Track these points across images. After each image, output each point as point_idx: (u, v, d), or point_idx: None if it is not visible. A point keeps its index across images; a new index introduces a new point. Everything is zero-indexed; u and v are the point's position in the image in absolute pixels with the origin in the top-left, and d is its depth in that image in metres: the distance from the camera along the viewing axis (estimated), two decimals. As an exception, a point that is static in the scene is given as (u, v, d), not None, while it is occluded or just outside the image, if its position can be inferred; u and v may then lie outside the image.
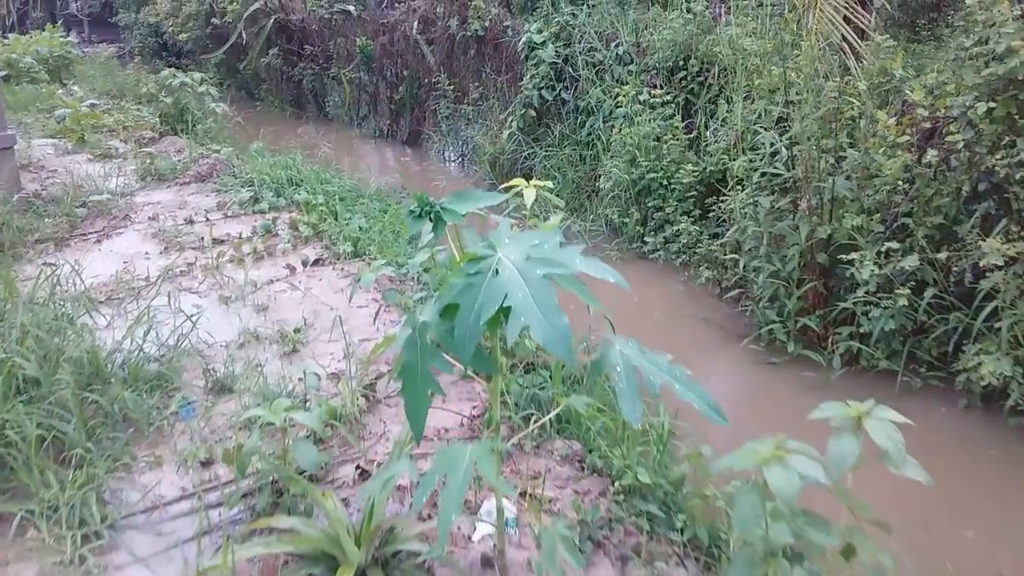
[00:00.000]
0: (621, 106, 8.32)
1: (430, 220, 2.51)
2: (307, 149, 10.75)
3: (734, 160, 7.33)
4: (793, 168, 5.74)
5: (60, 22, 24.45)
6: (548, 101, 9.44)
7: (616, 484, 3.55)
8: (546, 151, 9.36)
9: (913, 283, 5.11)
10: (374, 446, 3.90)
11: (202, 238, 6.76)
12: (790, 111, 5.93)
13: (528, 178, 9.43)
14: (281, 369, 4.59)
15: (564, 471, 3.69)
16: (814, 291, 5.63)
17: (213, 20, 16.61)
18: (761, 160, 6.13)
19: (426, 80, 12.69)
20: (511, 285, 2.22)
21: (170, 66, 18.07)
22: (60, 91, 15.42)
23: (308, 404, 4.14)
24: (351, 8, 14.81)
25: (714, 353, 5.94)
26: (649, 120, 7.86)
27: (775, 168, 5.82)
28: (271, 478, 3.39)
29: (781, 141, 5.90)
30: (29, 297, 4.71)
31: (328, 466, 3.69)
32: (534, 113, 9.54)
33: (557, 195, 9.11)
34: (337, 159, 11.73)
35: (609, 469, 3.71)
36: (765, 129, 6.34)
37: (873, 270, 4.90)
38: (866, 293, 5.04)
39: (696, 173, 7.39)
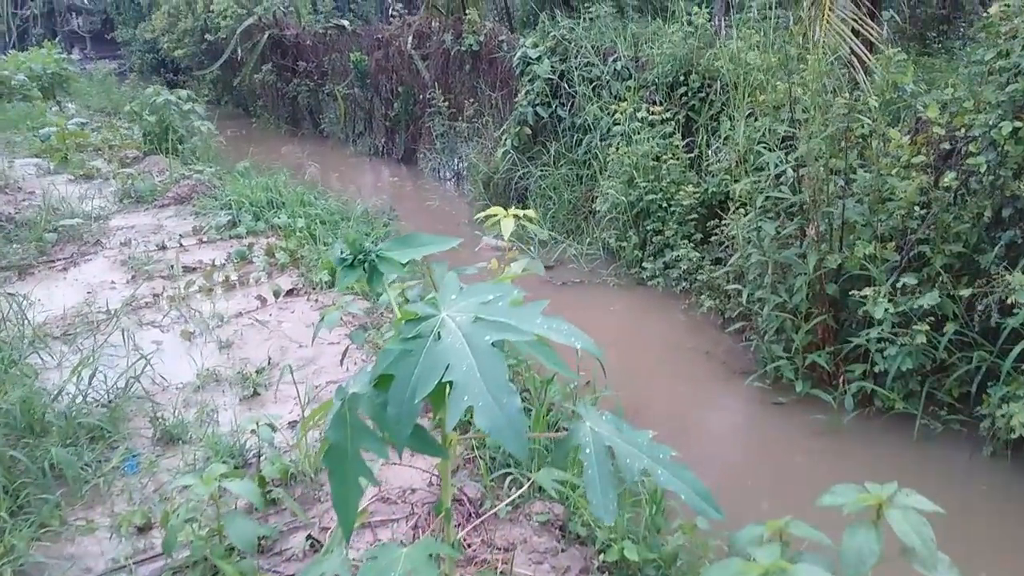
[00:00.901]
0: (619, 124, 7.93)
1: (364, 270, 2.11)
2: (295, 168, 10.40)
3: (736, 181, 6.93)
4: (799, 191, 5.32)
5: (59, 39, 24.32)
6: (543, 118, 9.05)
7: (600, 558, 3.13)
8: (541, 170, 8.96)
9: (932, 318, 4.67)
10: (331, 509, 3.48)
11: (172, 266, 6.38)
12: (796, 130, 5.51)
13: (523, 198, 9.08)
14: (238, 416, 4.19)
15: (542, 541, 3.27)
16: (823, 325, 5.19)
17: (207, 36, 16.33)
18: (765, 182, 5.71)
19: (421, 96, 12.35)
20: (454, 354, 1.82)
21: (168, 83, 17.88)
22: (53, 108, 15.19)
23: (262, 460, 3.73)
24: (346, 23, 14.50)
25: (716, 391, 5.50)
26: (648, 139, 7.46)
27: (780, 191, 5.40)
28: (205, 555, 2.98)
29: (787, 162, 5.48)
30: (-36, 338, 4.33)
31: (275, 535, 3.28)
32: (529, 131, 9.15)
33: (552, 217, 8.73)
34: (328, 178, 11.40)
35: (593, 538, 3.28)
36: (769, 149, 5.94)
37: (888, 308, 4.46)
38: (881, 332, 4.60)
39: (697, 195, 6.98)
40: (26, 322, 5.04)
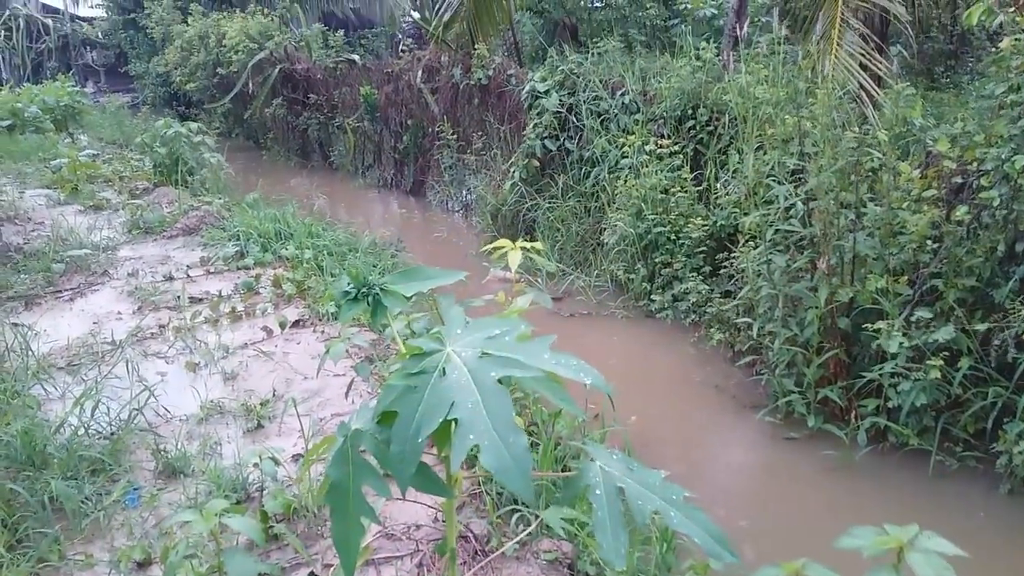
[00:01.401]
0: (627, 156, 7.94)
1: (367, 304, 2.07)
2: (304, 200, 10.43)
3: (746, 214, 6.89)
4: (810, 224, 5.28)
5: (73, 72, 24.64)
6: (551, 151, 9.06)
7: (609, 599, 3.05)
8: (549, 203, 8.96)
9: (946, 353, 4.60)
10: (334, 546, 3.40)
11: (178, 297, 6.36)
12: (805, 163, 5.47)
13: (531, 230, 9.04)
14: (241, 449, 4.13)
15: (549, 581, 3.19)
16: (835, 359, 5.12)
17: (219, 70, 16.50)
18: (775, 215, 5.67)
19: (430, 129, 12.41)
20: (459, 391, 1.77)
21: (180, 115, 18.05)
22: (65, 140, 15.34)
23: (264, 494, 3.67)
24: (356, 58, 14.64)
25: (727, 425, 5.42)
26: (656, 171, 7.45)
27: (790, 224, 5.35)
28: (205, 592, 2.92)
29: (797, 195, 5.44)
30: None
31: (276, 572, 3.21)
32: (537, 163, 9.16)
33: (560, 248, 8.70)
34: (337, 210, 11.42)
35: (602, 578, 3.21)
36: (778, 182, 5.91)
37: (902, 342, 4.39)
38: (895, 366, 4.52)
39: (706, 227, 6.95)
40: (30, 353, 5.01)
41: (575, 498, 1.96)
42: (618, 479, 1.93)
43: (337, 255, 7.53)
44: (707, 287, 6.62)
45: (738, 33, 12.06)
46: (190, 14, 17.81)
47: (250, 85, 15.79)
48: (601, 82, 8.89)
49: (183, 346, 5.49)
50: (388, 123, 13.46)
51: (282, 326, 5.70)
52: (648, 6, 14.27)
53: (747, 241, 5.91)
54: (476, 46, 11.31)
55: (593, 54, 9.46)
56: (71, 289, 6.77)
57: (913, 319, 4.62)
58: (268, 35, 15.49)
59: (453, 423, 1.75)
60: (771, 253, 5.36)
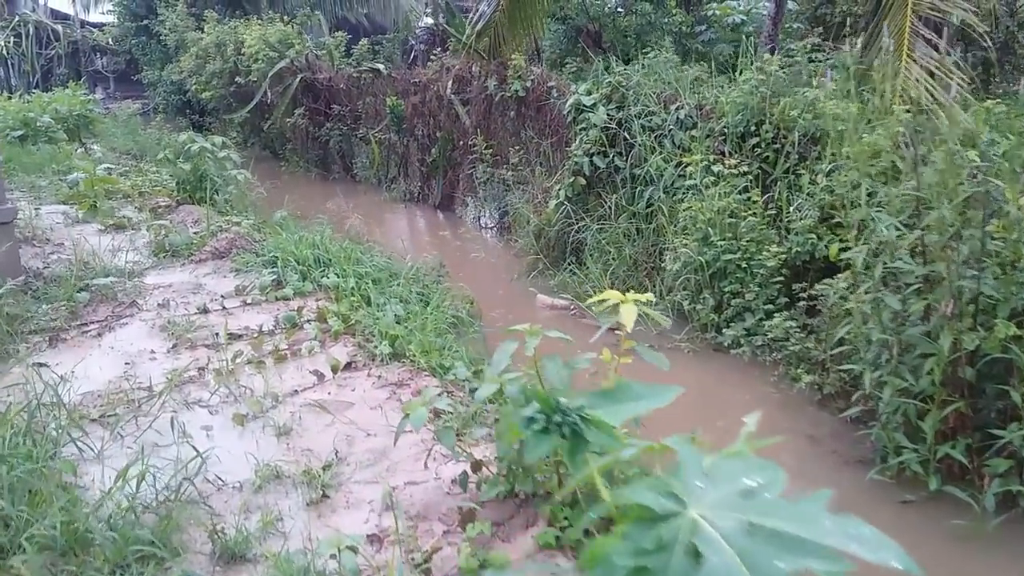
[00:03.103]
0: (686, 176, 7.43)
1: (562, 436, 1.56)
2: (335, 218, 9.92)
3: (820, 239, 6.38)
4: (926, 261, 4.74)
5: (84, 79, 24.25)
6: (600, 168, 8.56)
7: None
8: (599, 224, 8.44)
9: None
10: (433, 662, 2.90)
11: (217, 333, 5.85)
12: (921, 192, 4.90)
13: (578, 252, 8.50)
14: (309, 526, 3.62)
15: None
16: (955, 413, 4.59)
17: (237, 79, 16.02)
18: (872, 248, 5.12)
19: (461, 142, 11.92)
20: (729, 583, 1.25)
21: (193, 124, 17.60)
22: (78, 151, 14.87)
23: (345, 592, 3.16)
24: (380, 67, 14.16)
25: (831, 484, 4.79)
26: (724, 193, 6.92)
27: (904, 261, 4.80)
28: None
29: (914, 227, 4.89)
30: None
31: None
32: (584, 181, 8.65)
33: (612, 273, 8.16)
34: (366, 227, 10.91)
35: None
36: (877, 203, 5.38)
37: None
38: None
39: (781, 255, 6.42)
40: (65, 401, 4.49)
41: None
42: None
43: (382, 282, 7.01)
44: (793, 323, 6.07)
45: (775, 41, 11.56)
46: (205, 21, 17.35)
47: (268, 94, 15.32)
48: (654, 95, 8.39)
49: (227, 393, 4.97)
50: (415, 135, 12.98)
51: (334, 369, 5.19)
52: (674, 12, 13.84)
53: (859, 277, 5.32)
54: (512, 56, 10.82)
55: (643, 65, 8.95)
56: (98, 322, 6.25)
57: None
58: (288, 43, 15.02)
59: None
60: (883, 293, 4.82)
